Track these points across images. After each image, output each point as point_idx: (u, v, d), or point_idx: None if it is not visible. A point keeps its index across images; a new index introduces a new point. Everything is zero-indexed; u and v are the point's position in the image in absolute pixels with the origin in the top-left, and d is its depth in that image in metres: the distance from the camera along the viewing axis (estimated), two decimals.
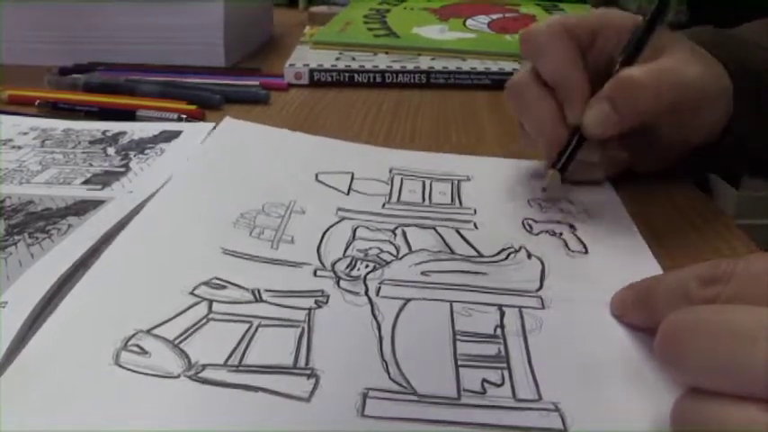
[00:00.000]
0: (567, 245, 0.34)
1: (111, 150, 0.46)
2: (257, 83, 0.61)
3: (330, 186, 0.40)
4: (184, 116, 0.53)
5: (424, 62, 0.66)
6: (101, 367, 0.25)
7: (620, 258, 0.33)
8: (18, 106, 0.56)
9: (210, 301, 0.29)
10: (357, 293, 0.30)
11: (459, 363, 0.26)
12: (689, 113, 0.37)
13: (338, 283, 0.31)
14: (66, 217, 0.36)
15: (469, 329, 0.28)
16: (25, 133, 0.49)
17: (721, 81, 0.38)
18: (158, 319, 0.27)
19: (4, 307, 0.28)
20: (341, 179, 0.41)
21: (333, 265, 0.32)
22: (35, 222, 0.35)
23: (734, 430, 0.19)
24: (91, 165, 0.44)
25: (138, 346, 0.26)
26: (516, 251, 0.34)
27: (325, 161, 0.43)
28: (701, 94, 0.37)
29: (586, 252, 0.34)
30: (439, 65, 0.65)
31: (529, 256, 0.33)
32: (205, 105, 0.55)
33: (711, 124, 0.39)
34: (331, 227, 0.35)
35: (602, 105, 0.35)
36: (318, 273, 0.31)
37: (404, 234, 0.35)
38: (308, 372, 0.25)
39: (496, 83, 0.64)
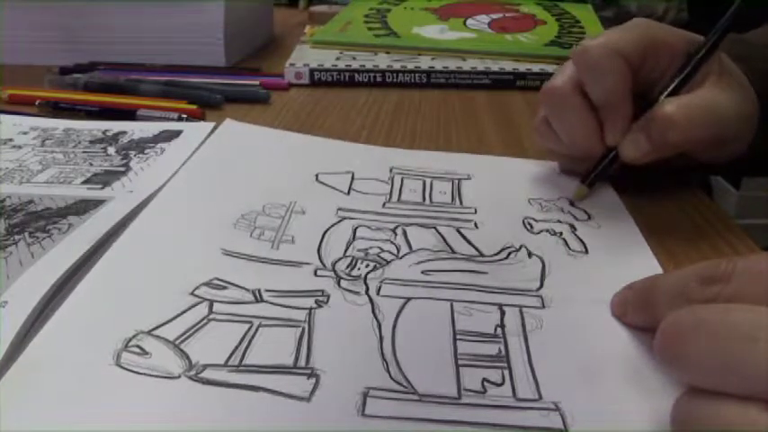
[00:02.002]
0: (567, 244, 0.34)
1: (111, 150, 0.46)
2: (258, 82, 0.61)
3: (330, 186, 0.40)
4: (185, 116, 0.53)
5: (425, 62, 0.66)
6: (102, 368, 0.25)
7: (621, 258, 0.33)
8: (18, 106, 0.56)
9: (211, 302, 0.29)
10: (357, 293, 0.30)
11: (460, 362, 0.26)
12: (721, 144, 0.38)
13: (339, 282, 0.31)
14: (66, 216, 0.36)
15: (470, 329, 0.28)
16: (25, 133, 0.49)
17: (753, 108, 0.38)
18: (159, 320, 0.27)
19: (4, 306, 0.28)
20: (341, 179, 0.41)
21: (333, 264, 0.32)
22: (35, 222, 0.35)
23: (734, 430, 0.19)
24: (91, 164, 0.44)
25: (138, 346, 0.26)
26: (517, 250, 0.34)
27: (326, 161, 0.43)
28: (734, 128, 0.38)
29: (587, 252, 0.34)
30: (439, 64, 0.65)
31: (529, 255, 0.33)
32: (205, 105, 0.55)
33: (739, 148, 0.40)
34: (331, 227, 0.35)
35: (638, 136, 0.36)
36: (319, 272, 0.31)
37: (404, 233, 0.35)
38: (309, 371, 0.25)
39: (497, 82, 0.64)
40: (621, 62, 0.36)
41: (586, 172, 0.39)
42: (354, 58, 0.67)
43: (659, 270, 0.32)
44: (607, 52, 0.36)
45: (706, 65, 0.37)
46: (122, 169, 0.43)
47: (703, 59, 0.37)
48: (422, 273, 0.32)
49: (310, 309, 0.29)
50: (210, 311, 0.28)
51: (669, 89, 0.37)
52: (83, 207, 0.37)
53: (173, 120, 0.52)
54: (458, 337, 0.27)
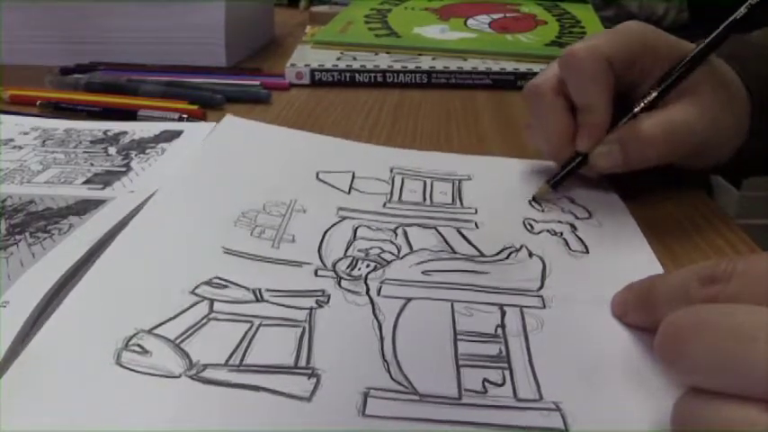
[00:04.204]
0: (567, 244, 0.34)
1: (112, 150, 0.46)
2: (258, 83, 0.61)
3: (331, 185, 0.40)
4: (186, 116, 0.53)
5: (426, 62, 0.66)
6: (102, 367, 0.25)
7: (621, 258, 0.33)
8: (20, 106, 0.56)
9: (212, 301, 0.29)
10: (358, 293, 0.30)
11: (461, 362, 0.26)
12: (696, 156, 0.38)
13: (339, 282, 0.31)
14: (67, 216, 0.36)
15: (470, 329, 0.28)
16: (26, 133, 0.49)
17: (736, 119, 0.38)
18: (159, 319, 0.27)
19: (5, 306, 0.28)
20: (342, 178, 0.41)
21: (334, 264, 0.32)
22: (36, 222, 0.35)
23: (734, 431, 0.19)
24: (92, 164, 0.44)
25: (139, 345, 0.26)
26: (517, 250, 0.34)
27: (327, 160, 0.43)
28: (712, 143, 0.38)
29: (587, 251, 0.34)
30: (440, 65, 0.65)
31: (530, 255, 0.33)
32: (206, 105, 0.55)
33: (720, 157, 0.40)
34: (332, 226, 0.35)
35: (612, 147, 0.36)
36: (319, 272, 0.31)
37: (405, 233, 0.35)
38: (309, 371, 0.25)
39: (498, 83, 0.64)
40: (607, 68, 0.36)
41: (554, 173, 0.39)
42: (355, 59, 0.67)
43: (660, 269, 0.32)
44: (593, 56, 0.36)
45: (689, 78, 0.36)
46: (123, 169, 0.43)
47: (683, 75, 0.36)
48: (422, 273, 0.32)
49: (311, 309, 0.29)
50: (211, 310, 0.28)
51: (647, 101, 0.37)
52: (83, 207, 0.37)
53: (173, 120, 0.52)
54: (458, 337, 0.27)
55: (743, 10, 0.36)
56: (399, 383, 0.25)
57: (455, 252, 0.34)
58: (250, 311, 0.28)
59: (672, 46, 0.38)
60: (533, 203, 0.39)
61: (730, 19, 0.36)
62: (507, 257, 0.33)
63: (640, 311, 0.27)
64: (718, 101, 0.37)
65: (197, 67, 0.67)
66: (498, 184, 0.41)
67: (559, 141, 0.39)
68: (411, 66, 0.65)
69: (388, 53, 0.69)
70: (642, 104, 0.37)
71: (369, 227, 0.36)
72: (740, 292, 0.22)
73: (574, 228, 0.36)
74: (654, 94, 0.37)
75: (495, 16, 0.80)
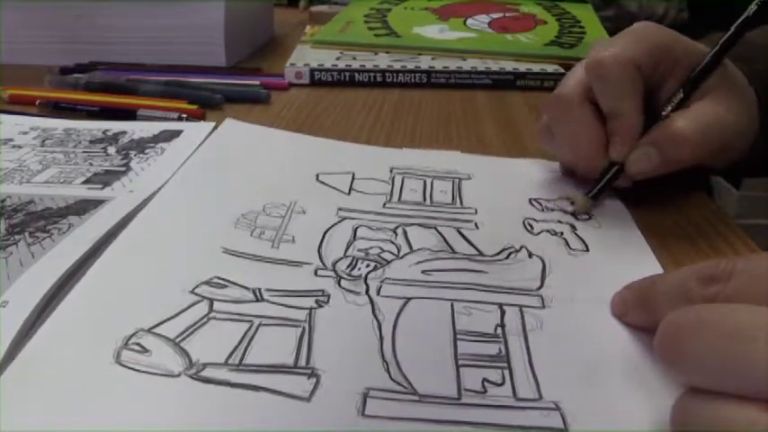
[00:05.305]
0: (567, 244, 0.34)
1: (111, 150, 0.46)
2: (258, 82, 0.61)
3: (331, 186, 0.40)
4: (185, 116, 0.53)
5: (425, 62, 0.66)
6: (102, 366, 0.25)
7: (621, 257, 0.33)
8: (19, 106, 0.56)
9: (211, 300, 0.29)
10: (358, 293, 0.30)
11: (460, 362, 0.26)
12: (721, 155, 0.38)
13: (339, 282, 0.31)
14: (66, 216, 0.36)
15: (470, 329, 0.28)
16: (26, 133, 0.49)
17: (753, 117, 0.38)
18: (159, 318, 0.27)
19: (4, 306, 0.28)
20: (342, 179, 0.41)
21: (334, 264, 0.32)
22: (36, 222, 0.35)
23: (734, 431, 0.19)
24: (91, 164, 0.44)
25: (139, 344, 0.26)
26: (517, 250, 0.34)
27: (326, 162, 0.43)
28: (736, 140, 0.38)
29: (587, 251, 0.34)
30: (439, 64, 0.65)
31: (530, 255, 0.33)
32: (206, 105, 0.55)
33: (736, 156, 0.40)
34: (332, 226, 0.35)
35: (648, 150, 0.36)
36: (319, 272, 0.31)
37: (405, 233, 0.35)
38: (309, 371, 0.25)
39: (497, 82, 0.64)
40: (634, 72, 0.36)
41: (591, 185, 0.38)
42: (355, 58, 0.67)
43: (659, 269, 0.32)
44: (621, 62, 0.36)
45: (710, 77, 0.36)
46: (122, 169, 0.43)
47: (707, 74, 0.36)
48: (422, 273, 0.32)
49: (311, 308, 0.29)
50: (211, 310, 0.28)
51: (675, 102, 0.36)
52: (83, 207, 0.37)
53: (173, 120, 0.52)
54: (458, 336, 0.27)
55: (753, 7, 0.36)
56: (399, 383, 0.24)
57: (455, 252, 0.34)
58: (250, 311, 0.28)
59: (687, 47, 0.38)
60: (534, 203, 0.39)
61: (743, 16, 0.36)
62: (507, 257, 0.33)
63: (640, 311, 0.27)
64: (735, 99, 0.37)
65: (197, 66, 0.67)
66: (498, 184, 0.41)
67: (592, 151, 0.38)
68: (410, 65, 0.65)
69: (387, 53, 0.69)
70: (671, 106, 0.36)
71: (369, 227, 0.36)
72: (740, 292, 0.22)
73: (574, 228, 0.36)
74: (680, 96, 0.36)
75: (495, 16, 0.80)
